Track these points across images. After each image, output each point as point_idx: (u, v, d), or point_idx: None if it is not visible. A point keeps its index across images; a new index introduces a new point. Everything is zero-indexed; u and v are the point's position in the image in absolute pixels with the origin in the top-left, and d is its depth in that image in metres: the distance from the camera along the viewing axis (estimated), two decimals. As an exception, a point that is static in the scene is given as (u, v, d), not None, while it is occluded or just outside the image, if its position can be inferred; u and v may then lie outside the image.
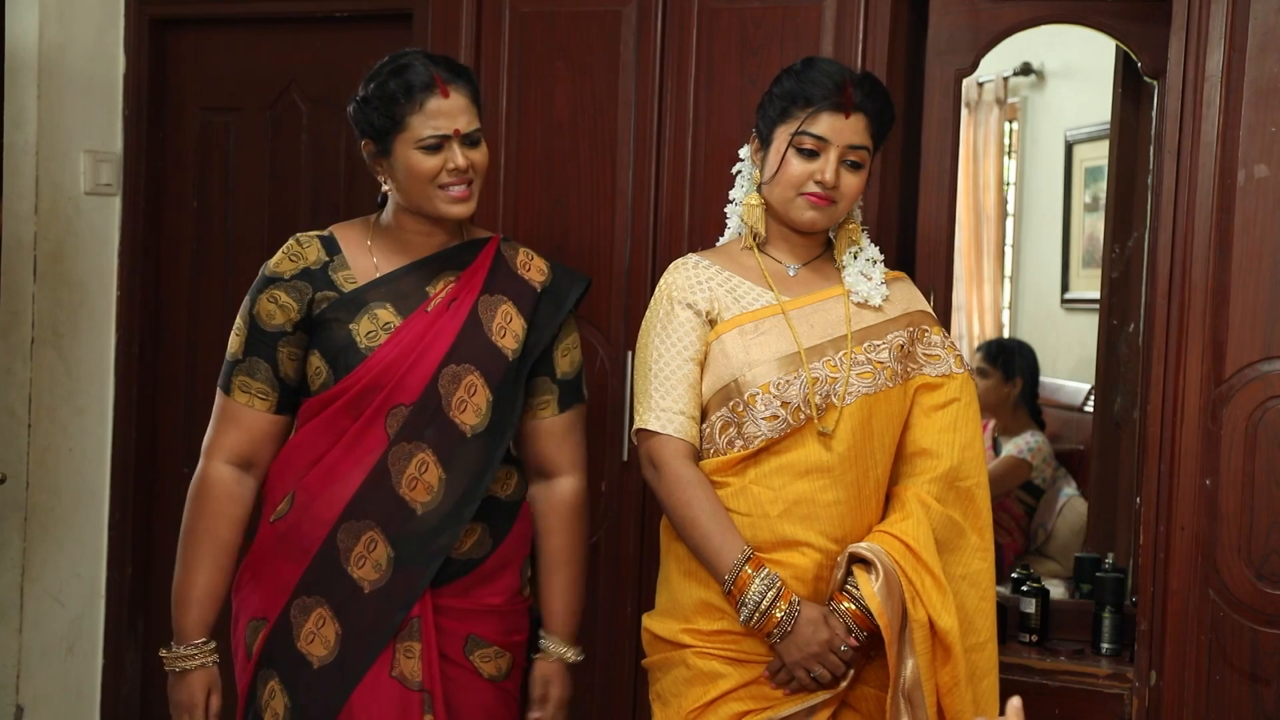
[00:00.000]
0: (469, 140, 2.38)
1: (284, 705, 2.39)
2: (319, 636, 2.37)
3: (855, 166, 2.37)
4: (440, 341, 2.38)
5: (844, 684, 2.32)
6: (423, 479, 2.38)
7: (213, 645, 2.43)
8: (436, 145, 2.35)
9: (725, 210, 2.53)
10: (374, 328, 2.38)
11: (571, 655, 2.55)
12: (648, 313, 2.46)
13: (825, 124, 2.35)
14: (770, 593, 2.28)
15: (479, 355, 2.41)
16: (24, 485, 3.59)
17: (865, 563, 2.30)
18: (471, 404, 2.40)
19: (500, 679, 2.48)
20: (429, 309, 2.40)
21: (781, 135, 2.37)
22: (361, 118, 2.39)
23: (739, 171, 2.50)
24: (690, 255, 2.48)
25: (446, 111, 2.35)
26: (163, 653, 2.44)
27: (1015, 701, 1.65)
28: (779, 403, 2.33)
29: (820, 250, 2.48)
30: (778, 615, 2.27)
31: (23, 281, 3.54)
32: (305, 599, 2.38)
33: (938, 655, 2.29)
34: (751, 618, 2.29)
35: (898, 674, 2.28)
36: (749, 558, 2.30)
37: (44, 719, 3.68)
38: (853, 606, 2.28)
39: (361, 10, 3.49)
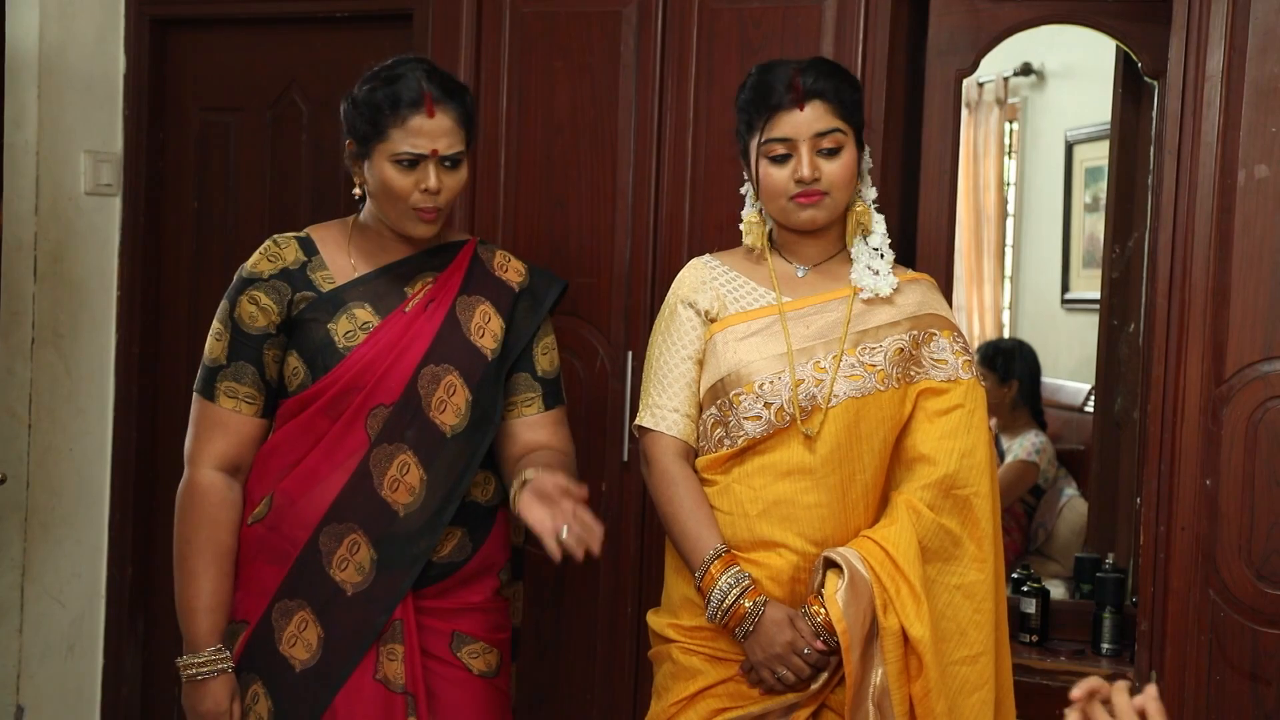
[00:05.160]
0: (449, 162, 2.35)
1: (268, 709, 2.38)
2: (301, 640, 2.37)
3: (831, 153, 2.34)
4: (419, 342, 2.38)
5: (815, 686, 2.30)
6: (404, 480, 2.37)
7: (227, 653, 2.39)
8: (413, 163, 2.33)
9: (740, 227, 2.51)
10: (352, 327, 2.38)
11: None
12: (659, 312, 2.48)
13: (785, 124, 2.33)
14: (735, 590, 2.28)
15: (457, 355, 2.40)
16: (24, 485, 3.59)
17: (839, 567, 2.28)
18: (451, 404, 2.39)
19: (491, 675, 2.48)
20: (406, 309, 2.40)
21: (754, 149, 2.37)
22: (348, 116, 2.39)
23: (745, 192, 2.50)
24: (704, 255, 2.49)
25: (428, 131, 2.32)
26: (179, 661, 2.40)
27: (1151, 690, 1.59)
28: (762, 403, 2.33)
29: (835, 249, 2.45)
30: (741, 613, 2.27)
31: (23, 281, 3.54)
32: (287, 602, 2.37)
33: (911, 665, 2.27)
34: (715, 614, 2.29)
35: (859, 680, 2.25)
36: (719, 555, 2.30)
37: (44, 719, 3.68)
38: (824, 611, 2.26)
39: (361, 10, 3.49)
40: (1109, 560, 2.97)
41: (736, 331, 2.38)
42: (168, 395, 3.81)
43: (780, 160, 2.34)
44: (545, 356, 2.52)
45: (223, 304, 2.43)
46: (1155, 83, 2.87)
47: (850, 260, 2.44)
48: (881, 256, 2.42)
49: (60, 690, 3.71)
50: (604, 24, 3.10)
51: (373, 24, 3.50)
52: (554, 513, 2.17)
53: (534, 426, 2.48)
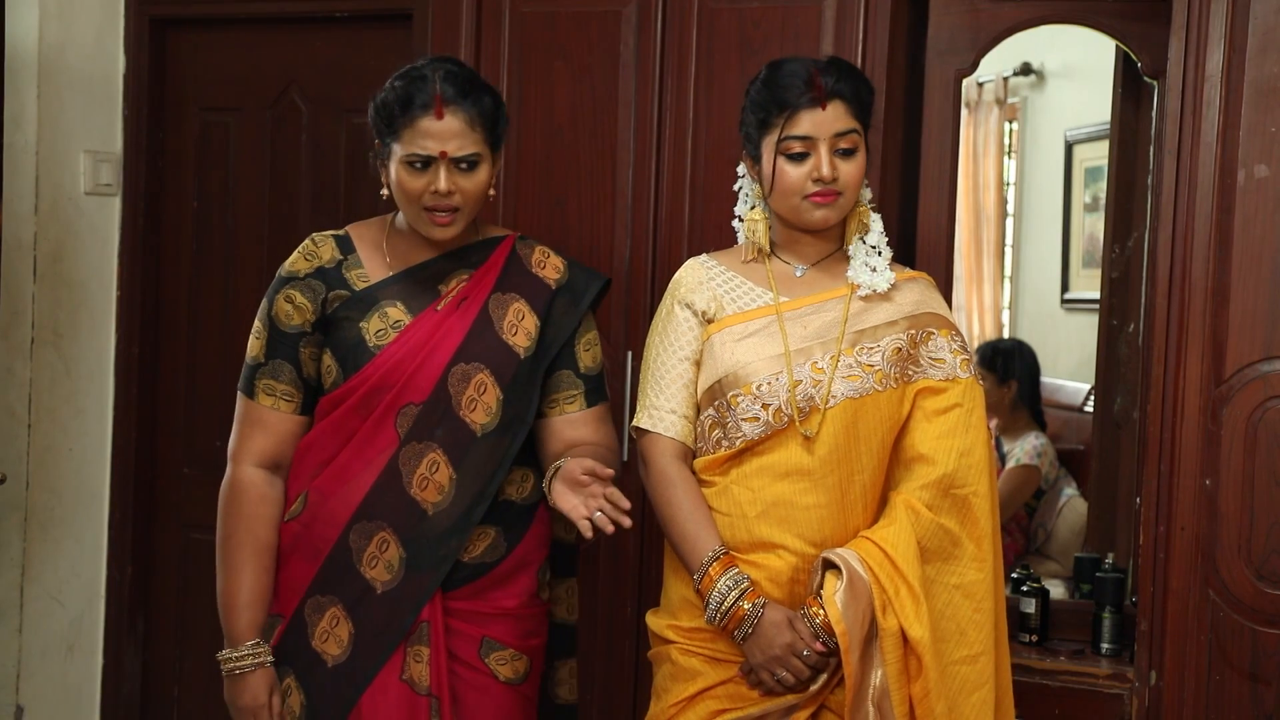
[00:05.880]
0: (463, 163, 2.33)
1: (300, 703, 2.40)
2: (333, 635, 2.38)
3: (848, 153, 2.33)
4: (449, 340, 2.38)
5: (815, 687, 2.30)
6: (434, 479, 2.37)
7: (266, 646, 2.41)
8: (424, 164, 2.32)
9: (734, 225, 2.51)
10: (383, 326, 2.38)
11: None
12: (656, 312, 2.48)
13: (805, 122, 2.32)
14: (734, 593, 2.27)
15: (488, 354, 2.40)
16: (24, 485, 3.59)
17: (837, 568, 2.28)
18: (481, 403, 2.39)
19: (518, 682, 2.47)
20: (439, 308, 2.40)
21: (768, 146, 2.35)
22: (370, 117, 2.39)
23: (739, 188, 2.49)
24: (700, 255, 2.48)
25: (436, 133, 2.31)
26: (219, 656, 2.42)
27: None
28: (760, 405, 2.33)
29: (834, 247, 2.45)
30: (740, 615, 2.27)
31: (23, 281, 3.54)
32: (319, 598, 2.39)
33: (910, 665, 2.26)
34: (714, 616, 2.29)
35: (859, 681, 2.25)
36: (718, 557, 2.30)
37: (44, 719, 3.68)
38: (823, 612, 2.26)
39: (361, 10, 3.49)
40: (1109, 560, 2.97)
41: (734, 332, 2.38)
42: (167, 395, 3.81)
43: (798, 158, 2.33)
44: (588, 353, 2.52)
45: (263, 303, 2.45)
46: (1155, 83, 2.87)
47: (847, 259, 2.44)
48: (879, 254, 2.42)
49: (60, 690, 3.71)
50: (604, 24, 3.10)
51: (373, 24, 3.50)
52: (585, 497, 2.22)
53: (576, 423, 2.48)
